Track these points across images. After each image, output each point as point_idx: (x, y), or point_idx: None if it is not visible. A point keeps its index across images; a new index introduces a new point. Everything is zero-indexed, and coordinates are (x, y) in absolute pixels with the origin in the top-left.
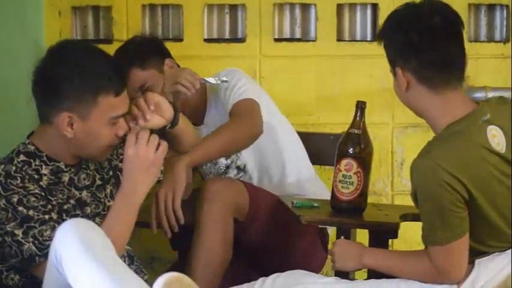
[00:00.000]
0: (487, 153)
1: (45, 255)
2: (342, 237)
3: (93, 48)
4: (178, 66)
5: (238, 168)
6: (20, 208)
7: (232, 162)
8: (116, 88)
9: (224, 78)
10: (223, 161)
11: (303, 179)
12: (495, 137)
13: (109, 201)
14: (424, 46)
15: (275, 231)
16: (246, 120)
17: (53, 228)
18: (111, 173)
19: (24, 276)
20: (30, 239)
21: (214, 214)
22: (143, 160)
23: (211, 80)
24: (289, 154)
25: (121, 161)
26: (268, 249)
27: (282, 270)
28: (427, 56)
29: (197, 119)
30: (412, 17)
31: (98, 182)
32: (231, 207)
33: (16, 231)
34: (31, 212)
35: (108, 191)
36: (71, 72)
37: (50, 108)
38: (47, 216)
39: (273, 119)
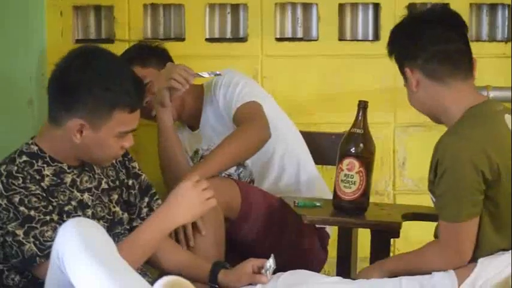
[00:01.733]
0: (509, 137)
1: (46, 256)
2: None
3: (117, 60)
4: None
5: (237, 163)
6: (22, 208)
7: None
8: (133, 105)
9: (218, 72)
10: None
11: (302, 179)
12: None
13: (114, 207)
14: (426, 41)
15: (270, 230)
16: (254, 127)
17: (54, 229)
18: (117, 183)
19: (24, 276)
20: (31, 239)
21: (205, 215)
22: (194, 198)
23: (205, 74)
24: (289, 153)
25: (128, 176)
26: (265, 248)
27: (281, 270)
28: (430, 50)
29: (194, 123)
30: (411, 20)
31: (104, 186)
32: (222, 207)
33: (17, 231)
34: (32, 213)
35: (114, 197)
36: (92, 82)
37: (64, 112)
38: (48, 217)
39: (274, 118)
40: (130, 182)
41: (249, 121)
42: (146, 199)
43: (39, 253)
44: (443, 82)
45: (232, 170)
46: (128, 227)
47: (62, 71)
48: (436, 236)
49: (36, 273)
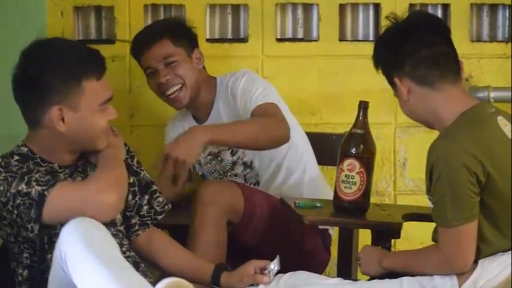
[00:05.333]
0: (503, 140)
1: (51, 186)
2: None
3: (66, 40)
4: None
5: (244, 164)
6: (21, 170)
7: (238, 159)
8: (97, 71)
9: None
10: (229, 158)
11: (307, 181)
12: (506, 125)
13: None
14: (410, 47)
15: (274, 233)
16: (278, 121)
17: (54, 178)
18: None
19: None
20: (34, 183)
21: (208, 218)
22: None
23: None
24: (298, 156)
25: (129, 174)
26: (269, 251)
27: (284, 272)
28: (416, 56)
29: (202, 114)
30: (392, 30)
31: None
32: (225, 211)
33: (20, 187)
34: (31, 169)
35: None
36: (50, 65)
37: (38, 108)
38: (46, 174)
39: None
40: (131, 180)
41: (271, 116)
42: (146, 197)
43: (44, 188)
44: (433, 86)
45: (239, 171)
46: (121, 228)
47: (19, 73)
48: (434, 239)
49: (51, 205)
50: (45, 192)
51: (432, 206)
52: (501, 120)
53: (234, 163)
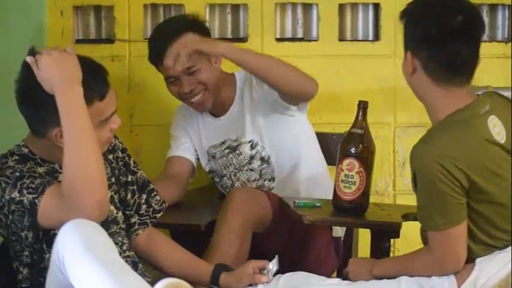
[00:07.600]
0: (488, 144)
1: (40, 193)
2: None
3: None
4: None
5: (262, 159)
6: (13, 174)
7: (257, 153)
8: (99, 93)
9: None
10: (247, 152)
11: (322, 178)
12: (496, 126)
13: (109, 206)
14: (439, 43)
15: (291, 240)
16: (306, 74)
17: (42, 180)
18: (113, 180)
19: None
20: (25, 192)
21: (234, 226)
22: (61, 64)
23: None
24: (312, 151)
25: (128, 172)
26: (283, 257)
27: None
28: (438, 53)
29: (219, 110)
30: (437, 10)
31: None
32: (253, 222)
33: (13, 195)
34: (23, 173)
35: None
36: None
37: (40, 125)
38: (36, 175)
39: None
40: (129, 178)
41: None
42: (144, 196)
43: (34, 196)
44: (438, 83)
45: (255, 166)
46: (123, 226)
47: (22, 88)
48: (424, 240)
49: (43, 218)
50: (36, 201)
51: (417, 209)
52: (492, 120)
53: (251, 157)
